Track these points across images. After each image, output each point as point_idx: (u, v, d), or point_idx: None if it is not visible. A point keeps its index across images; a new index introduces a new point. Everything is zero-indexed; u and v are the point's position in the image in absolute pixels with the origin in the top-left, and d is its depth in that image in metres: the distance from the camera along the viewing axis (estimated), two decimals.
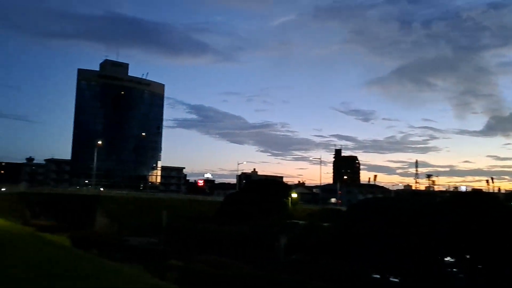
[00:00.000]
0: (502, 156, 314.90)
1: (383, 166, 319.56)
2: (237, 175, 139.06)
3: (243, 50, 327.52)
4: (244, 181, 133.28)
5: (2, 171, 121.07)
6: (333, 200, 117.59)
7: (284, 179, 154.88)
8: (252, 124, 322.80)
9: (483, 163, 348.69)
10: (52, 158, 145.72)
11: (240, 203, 62.42)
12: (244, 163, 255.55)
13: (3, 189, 67.34)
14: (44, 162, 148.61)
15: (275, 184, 79.47)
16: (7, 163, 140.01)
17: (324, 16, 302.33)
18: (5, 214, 37.59)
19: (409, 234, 35.39)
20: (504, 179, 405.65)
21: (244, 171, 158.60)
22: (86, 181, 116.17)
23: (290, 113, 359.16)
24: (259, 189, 67.63)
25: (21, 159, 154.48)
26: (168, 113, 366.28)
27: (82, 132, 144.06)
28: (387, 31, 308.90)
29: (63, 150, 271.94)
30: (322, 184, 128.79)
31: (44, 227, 30.35)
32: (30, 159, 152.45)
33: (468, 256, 34.26)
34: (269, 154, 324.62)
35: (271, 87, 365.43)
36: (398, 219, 37.60)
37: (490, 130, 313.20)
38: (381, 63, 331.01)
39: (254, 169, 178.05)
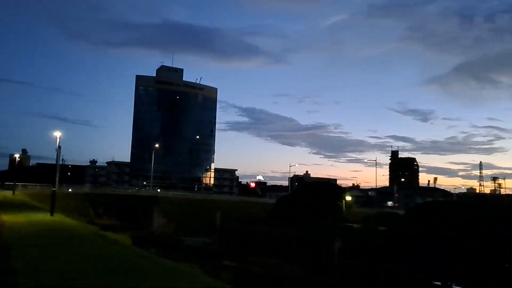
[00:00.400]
0: None
1: (444, 168, 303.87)
2: (289, 177, 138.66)
3: (294, 51, 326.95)
4: (296, 183, 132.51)
5: (69, 173, 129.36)
6: (389, 203, 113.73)
7: (338, 182, 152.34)
8: (304, 126, 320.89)
9: None
10: (113, 161, 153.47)
11: (292, 206, 62.04)
12: (296, 165, 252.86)
13: (69, 190, 71.81)
14: (105, 164, 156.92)
15: (329, 186, 78.16)
16: (72, 165, 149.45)
17: (378, 13, 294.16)
18: (72, 213, 40.08)
19: (467, 237, 33.33)
20: None
21: (296, 174, 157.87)
22: (144, 183, 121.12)
23: (343, 114, 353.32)
24: (312, 191, 66.82)
25: (85, 162, 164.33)
26: (221, 116, 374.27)
27: (140, 135, 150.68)
28: (447, 27, 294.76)
29: (123, 152, 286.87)
30: (378, 187, 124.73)
31: (107, 226, 31.81)
32: (93, 162, 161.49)
33: None
34: (322, 156, 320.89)
35: (322, 88, 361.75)
36: (458, 223, 35.54)
37: None
38: (440, 60, 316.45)
39: (307, 171, 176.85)
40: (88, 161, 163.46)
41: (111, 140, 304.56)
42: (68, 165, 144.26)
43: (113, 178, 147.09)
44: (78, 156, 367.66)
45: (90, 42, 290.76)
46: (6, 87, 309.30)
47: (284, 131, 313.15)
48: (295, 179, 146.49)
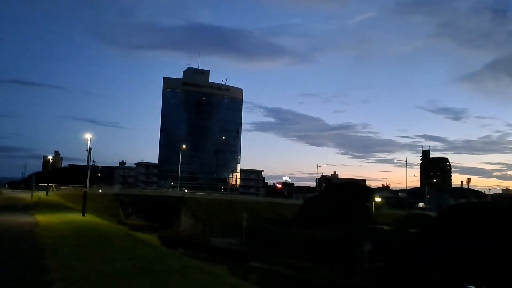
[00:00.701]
0: None
1: (478, 168, 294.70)
2: (316, 178, 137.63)
3: (320, 50, 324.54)
4: (323, 184, 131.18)
5: (99, 174, 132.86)
6: (421, 205, 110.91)
7: (367, 183, 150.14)
8: (331, 126, 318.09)
9: None
10: (142, 162, 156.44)
11: (320, 207, 61.36)
12: (324, 166, 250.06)
13: (100, 191, 73.51)
14: (134, 165, 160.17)
15: (357, 187, 76.97)
16: (102, 167, 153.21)
17: (406, 10, 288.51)
18: (102, 214, 40.96)
19: (503, 239, 31.90)
20: None
21: (323, 174, 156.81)
22: (172, 183, 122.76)
23: (372, 113, 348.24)
24: (340, 192, 65.94)
25: (114, 163, 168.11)
26: (246, 117, 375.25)
27: (168, 136, 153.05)
28: (479, 22, 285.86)
29: (152, 153, 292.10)
30: (408, 188, 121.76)
31: (136, 226, 32.22)
32: (122, 163, 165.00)
33: None
34: (350, 156, 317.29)
35: (350, 87, 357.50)
36: (493, 225, 34.08)
37: None
38: (473, 57, 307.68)
39: (334, 172, 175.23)
40: (118, 162, 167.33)
41: (139, 142, 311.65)
42: (98, 166, 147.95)
43: (142, 179, 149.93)
44: (108, 158, 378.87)
45: (119, 46, 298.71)
46: (40, 92, 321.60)
47: (310, 131, 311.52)
48: (322, 179, 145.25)
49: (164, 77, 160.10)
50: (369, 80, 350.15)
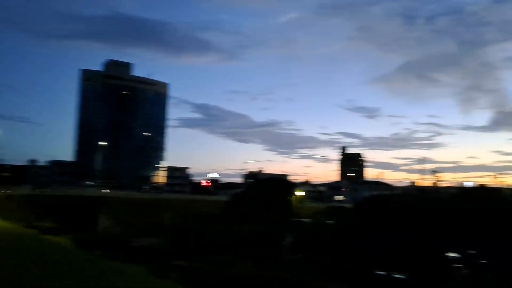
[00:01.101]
0: (507, 151, 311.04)
1: (389, 163, 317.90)
2: (243, 174, 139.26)
3: (248, 48, 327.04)
4: (250, 180, 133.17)
5: (7, 174, 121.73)
6: (339, 197, 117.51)
7: (291, 178, 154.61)
8: (258, 123, 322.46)
9: (488, 159, 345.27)
10: (55, 160, 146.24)
11: (245, 202, 62.23)
12: (250, 162, 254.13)
13: (7, 191, 67.72)
14: (47, 164, 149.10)
15: (279, 182, 79.16)
16: (11, 165, 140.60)
17: (328, 13, 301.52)
18: (9, 216, 37.66)
19: (412, 229, 35.15)
20: (510, 174, 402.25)
21: (250, 170, 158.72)
22: (90, 182, 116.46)
23: (296, 111, 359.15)
24: (265, 187, 67.43)
25: (24, 161, 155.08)
26: (173, 113, 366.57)
27: (85, 133, 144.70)
28: (391, 27, 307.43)
29: (67, 151, 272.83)
30: (328, 182, 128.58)
31: (47, 229, 30.22)
32: (32, 161, 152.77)
33: (473, 252, 33.92)
34: (275, 152, 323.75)
35: (276, 85, 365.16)
36: (403, 215, 37.34)
37: (495, 125, 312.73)
38: (386, 59, 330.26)
39: (259, 168, 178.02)
40: (27, 160, 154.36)
41: (53, 138, 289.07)
42: (6, 165, 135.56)
43: (55, 178, 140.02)
44: (17, 156, 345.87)
45: (32, 34, 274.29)
46: None
47: (238, 128, 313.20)
48: (249, 175, 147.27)
49: (81, 69, 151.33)
50: (294, 78, 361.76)
